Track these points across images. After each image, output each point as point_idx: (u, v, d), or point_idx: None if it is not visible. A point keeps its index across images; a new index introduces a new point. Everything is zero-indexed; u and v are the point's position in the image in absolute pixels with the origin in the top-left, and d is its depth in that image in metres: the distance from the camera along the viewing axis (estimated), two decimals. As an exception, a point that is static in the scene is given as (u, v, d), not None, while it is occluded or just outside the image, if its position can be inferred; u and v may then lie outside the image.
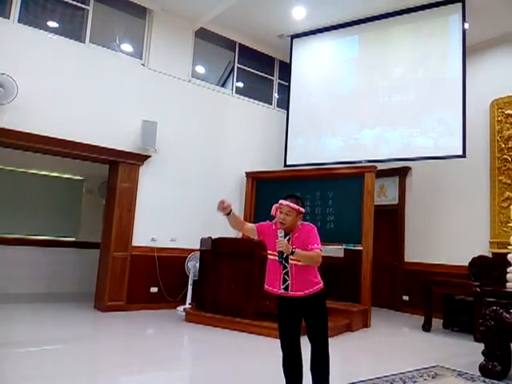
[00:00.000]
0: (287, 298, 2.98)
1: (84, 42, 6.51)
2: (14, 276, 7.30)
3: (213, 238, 6.30)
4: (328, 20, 7.49)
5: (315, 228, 3.01)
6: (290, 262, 2.90)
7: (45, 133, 5.89)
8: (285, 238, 2.89)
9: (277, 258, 2.86)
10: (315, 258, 2.88)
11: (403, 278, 8.19)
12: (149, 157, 6.82)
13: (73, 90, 6.28)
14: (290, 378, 3.05)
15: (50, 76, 6.11)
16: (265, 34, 7.99)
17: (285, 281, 2.94)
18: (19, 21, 5.98)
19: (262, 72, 8.70)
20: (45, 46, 6.12)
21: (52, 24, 6.38)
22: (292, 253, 2.79)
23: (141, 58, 7.09)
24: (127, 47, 7.09)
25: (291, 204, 2.92)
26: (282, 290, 2.95)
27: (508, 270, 4.37)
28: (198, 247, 6.62)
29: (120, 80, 6.75)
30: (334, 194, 7.01)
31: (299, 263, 2.89)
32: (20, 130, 5.71)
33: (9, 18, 5.90)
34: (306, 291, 2.93)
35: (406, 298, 8.10)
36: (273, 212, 3.02)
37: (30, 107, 5.84)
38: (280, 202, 2.98)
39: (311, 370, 3.01)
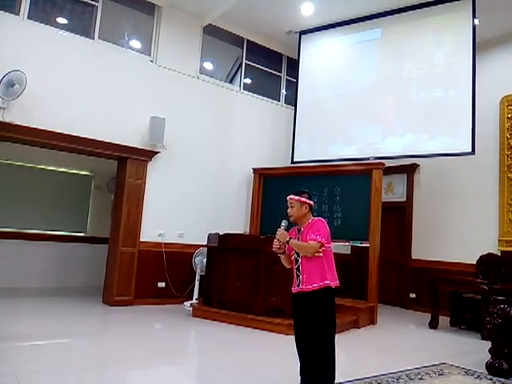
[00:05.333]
0: (299, 295, 3.01)
1: (93, 39, 6.55)
2: (24, 270, 7.38)
3: (220, 233, 6.32)
4: (336, 16, 7.46)
5: (322, 220, 3.05)
6: (301, 254, 3.00)
7: (54, 128, 5.93)
8: (298, 232, 3.07)
9: (293, 254, 3.06)
10: (305, 247, 2.94)
11: (410, 276, 8.17)
12: (157, 153, 6.85)
13: (82, 85, 6.32)
14: (303, 379, 3.04)
15: (59, 72, 6.15)
16: (273, 30, 7.98)
17: (297, 277, 3.02)
18: (29, 17, 6.02)
19: (270, 68, 8.69)
20: (54, 42, 6.16)
21: (61, 20, 6.41)
22: (287, 242, 2.97)
23: (149, 55, 7.11)
24: (136, 44, 7.12)
25: (292, 196, 3.09)
26: (296, 287, 3.02)
27: (516, 268, 4.36)
28: (205, 243, 6.65)
29: (128, 76, 6.77)
30: (341, 191, 6.99)
31: (303, 255, 2.99)
32: (29, 125, 5.75)
33: (18, 15, 5.94)
34: (312, 286, 2.93)
35: (413, 295, 8.08)
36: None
37: (39, 103, 5.89)
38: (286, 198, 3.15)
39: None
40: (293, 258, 3.08)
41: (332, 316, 2.99)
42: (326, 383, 2.92)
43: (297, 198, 3.07)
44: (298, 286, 3.00)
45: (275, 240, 3.02)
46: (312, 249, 2.92)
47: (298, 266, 3.01)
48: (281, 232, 3.00)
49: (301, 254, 2.99)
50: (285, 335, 5.13)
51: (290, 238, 2.98)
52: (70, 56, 6.26)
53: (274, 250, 3.04)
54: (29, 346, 4.17)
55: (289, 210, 3.09)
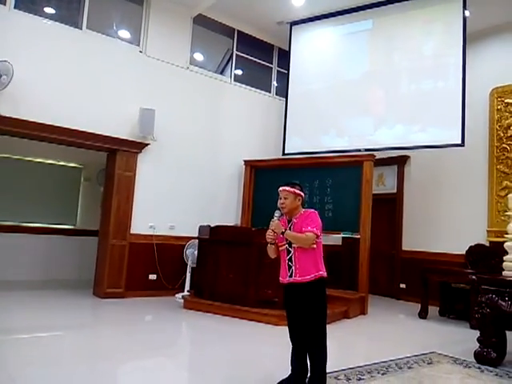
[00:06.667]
0: (291, 285, 3.04)
1: (81, 29, 6.45)
2: (13, 263, 7.32)
3: (211, 225, 6.31)
4: (327, 7, 7.42)
5: (315, 212, 3.09)
6: (293, 245, 3.01)
7: (42, 120, 5.86)
8: (288, 223, 3.08)
9: (284, 245, 3.06)
10: (302, 238, 2.96)
11: (400, 267, 8.24)
12: (147, 144, 6.80)
13: (70, 76, 6.24)
14: (294, 369, 3.09)
15: (47, 63, 6.06)
16: (264, 20, 7.92)
17: (289, 268, 3.04)
18: (15, 7, 5.91)
19: (261, 60, 8.64)
20: (41, 32, 6.06)
21: (48, 10, 6.31)
22: (282, 233, 2.98)
23: (138, 45, 7.02)
24: (125, 34, 7.02)
25: (286, 187, 3.09)
26: (288, 278, 3.04)
27: (505, 258, 4.40)
28: (196, 235, 6.64)
29: (117, 67, 6.69)
30: (332, 183, 7.01)
31: (296, 245, 3.00)
32: (17, 117, 5.67)
33: (5, 4, 5.83)
34: (307, 277, 2.97)
35: (403, 285, 8.16)
36: (278, 204, 3.15)
37: (27, 94, 5.81)
38: (279, 189, 3.14)
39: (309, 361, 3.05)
40: (282, 248, 3.09)
41: (325, 305, 3.07)
42: (320, 371, 2.98)
43: (292, 190, 3.07)
44: (291, 276, 3.02)
45: (269, 231, 3.02)
46: (310, 240, 2.95)
47: (291, 257, 3.03)
48: (276, 223, 3.01)
49: (293, 245, 3.01)
50: (276, 326, 5.15)
51: (286, 229, 3.00)
52: (58, 46, 6.17)
53: (268, 240, 3.05)
54: (20, 340, 4.14)
55: (281, 201, 3.08)
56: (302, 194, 3.12)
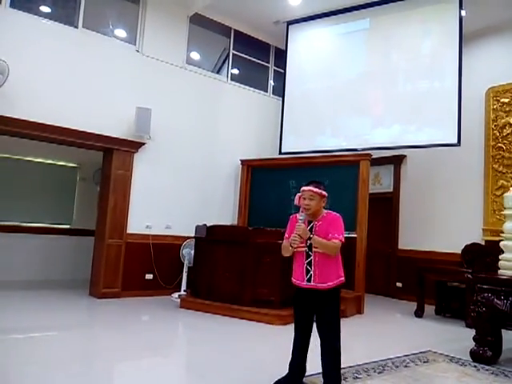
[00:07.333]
0: (308, 290, 2.95)
1: (77, 27, 6.42)
2: (8, 263, 7.28)
3: (208, 225, 6.30)
4: (324, 6, 7.41)
5: (340, 218, 2.96)
6: (314, 250, 2.90)
7: (37, 119, 5.82)
8: (308, 225, 2.92)
9: (303, 247, 2.91)
10: (330, 247, 2.85)
11: (397, 266, 8.26)
12: (143, 144, 6.78)
13: (66, 75, 6.21)
14: (292, 368, 3.07)
15: (43, 62, 6.02)
16: (260, 20, 7.91)
17: (307, 272, 2.92)
18: (11, 6, 5.88)
19: (258, 59, 8.63)
20: (37, 31, 6.02)
21: (44, 9, 6.28)
22: (309, 238, 2.83)
23: (135, 44, 7.00)
24: (121, 33, 7.01)
25: (312, 188, 2.94)
26: (306, 282, 2.93)
27: (500, 257, 4.41)
28: (192, 234, 6.63)
29: (114, 66, 6.67)
30: (328, 182, 6.96)
31: (320, 251, 2.88)
32: (13, 116, 5.64)
33: (1, 3, 5.79)
34: (328, 284, 2.91)
35: (399, 284, 8.18)
36: (296, 202, 3.02)
37: (23, 93, 5.78)
38: (302, 188, 3.00)
39: (322, 363, 3.00)
40: (300, 250, 2.95)
41: (339, 307, 3.04)
42: (336, 371, 2.96)
43: (318, 191, 2.93)
44: (309, 281, 2.92)
45: (295, 235, 2.84)
46: (337, 249, 2.88)
47: (310, 261, 2.91)
48: (302, 228, 2.83)
49: (314, 249, 2.89)
50: (272, 325, 5.16)
51: (313, 235, 2.86)
52: (54, 45, 6.14)
53: (293, 246, 2.89)
54: (16, 340, 4.12)
55: (306, 203, 2.91)
56: (326, 194, 2.97)
